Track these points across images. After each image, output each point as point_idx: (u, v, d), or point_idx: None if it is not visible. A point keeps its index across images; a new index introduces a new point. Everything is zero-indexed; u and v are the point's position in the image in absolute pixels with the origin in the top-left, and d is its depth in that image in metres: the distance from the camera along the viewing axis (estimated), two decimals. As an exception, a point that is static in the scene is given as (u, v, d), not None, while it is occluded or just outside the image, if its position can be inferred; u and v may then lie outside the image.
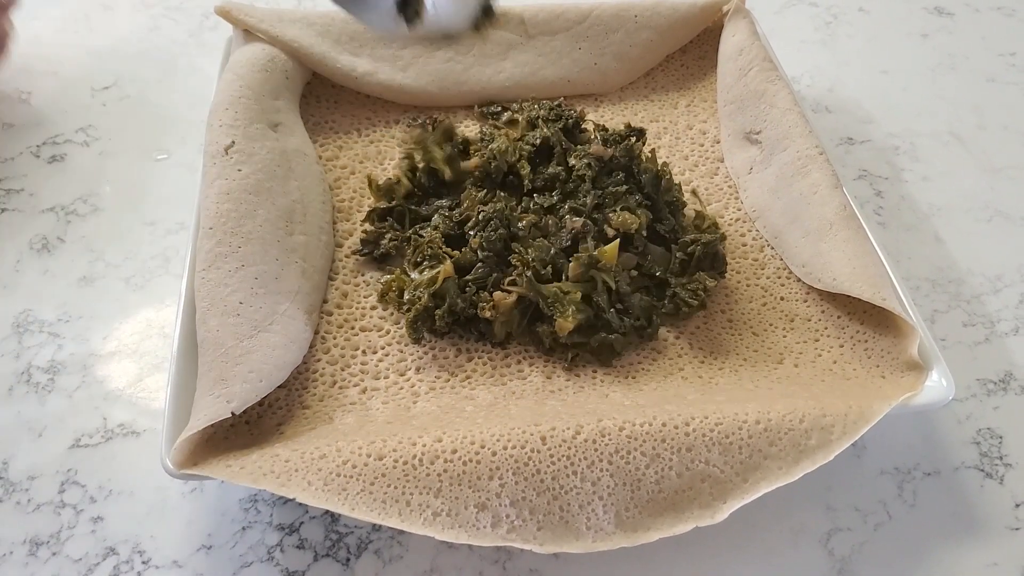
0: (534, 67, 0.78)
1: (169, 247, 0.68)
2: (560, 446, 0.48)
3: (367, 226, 0.66)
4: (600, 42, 0.78)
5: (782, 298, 0.63)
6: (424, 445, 0.48)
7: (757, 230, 0.67)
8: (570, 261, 0.58)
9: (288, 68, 0.72)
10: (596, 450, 0.48)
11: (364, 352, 0.58)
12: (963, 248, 0.71)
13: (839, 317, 0.60)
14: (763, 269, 0.65)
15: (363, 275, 0.63)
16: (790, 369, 0.58)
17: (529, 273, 0.58)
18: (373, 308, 0.61)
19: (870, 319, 0.58)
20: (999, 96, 0.87)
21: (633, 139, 0.66)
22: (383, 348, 0.59)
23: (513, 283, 0.58)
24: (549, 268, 0.59)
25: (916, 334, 0.54)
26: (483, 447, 0.48)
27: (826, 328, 0.60)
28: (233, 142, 0.63)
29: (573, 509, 0.47)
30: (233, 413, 0.49)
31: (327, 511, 0.53)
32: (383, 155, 0.72)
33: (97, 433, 0.57)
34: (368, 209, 0.66)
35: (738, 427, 0.50)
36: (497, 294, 0.57)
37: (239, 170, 0.61)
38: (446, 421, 0.52)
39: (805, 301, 0.62)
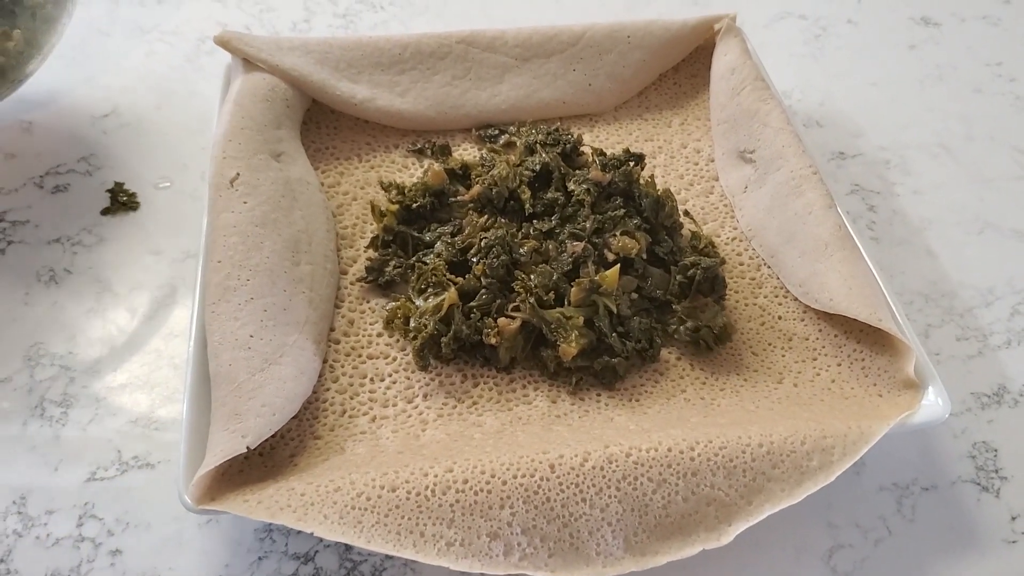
0: (529, 89, 0.79)
1: (176, 276, 0.69)
2: (568, 473, 0.50)
3: (371, 253, 0.67)
4: (594, 63, 0.80)
5: (780, 317, 0.64)
6: (436, 475, 0.49)
7: (753, 249, 0.69)
8: (572, 286, 0.60)
9: (288, 96, 0.73)
10: (604, 477, 0.50)
11: (372, 380, 0.59)
12: (955, 261, 0.72)
13: (836, 336, 0.61)
14: (760, 288, 0.66)
15: (368, 302, 0.64)
16: (789, 388, 0.59)
17: (532, 299, 0.59)
18: (379, 335, 0.62)
19: (867, 338, 0.60)
20: (986, 106, 0.89)
21: (632, 164, 0.67)
22: (390, 375, 0.60)
23: (516, 309, 0.59)
24: (551, 293, 0.60)
25: (912, 353, 0.56)
26: (493, 476, 0.49)
27: (824, 347, 0.61)
28: (238, 174, 0.64)
29: (583, 535, 0.49)
30: (248, 448, 0.50)
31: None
32: (384, 180, 0.73)
33: (112, 466, 0.58)
34: (371, 236, 0.68)
35: (741, 451, 0.51)
36: (501, 320, 0.59)
37: (245, 203, 0.62)
38: (455, 449, 0.53)
39: (802, 320, 0.63)
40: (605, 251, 0.62)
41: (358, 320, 0.63)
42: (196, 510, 0.48)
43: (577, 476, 0.50)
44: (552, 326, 0.59)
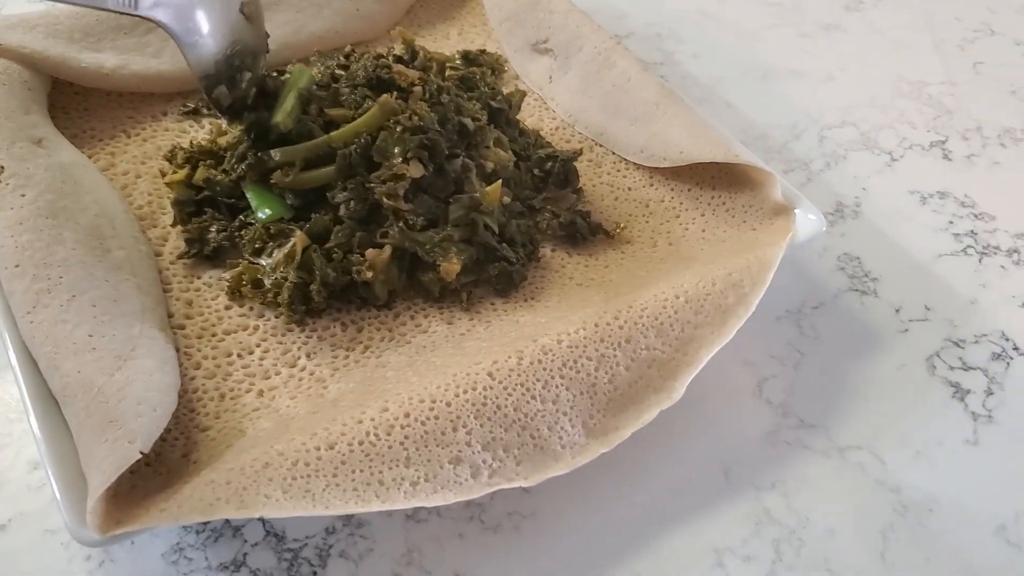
0: (296, 25, 0.72)
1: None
2: (509, 376, 0.46)
3: (180, 226, 0.58)
4: (357, -14, 0.74)
5: (629, 188, 0.63)
6: (372, 419, 0.43)
7: (580, 132, 0.67)
8: (451, 203, 0.55)
9: (27, 78, 0.61)
10: (545, 369, 0.46)
11: (239, 355, 0.52)
12: (753, 107, 0.75)
13: (690, 189, 0.61)
14: (600, 167, 0.65)
15: (200, 278, 0.56)
16: (665, 248, 0.59)
17: (400, 223, 0.53)
18: (228, 308, 0.54)
19: (720, 183, 0.60)
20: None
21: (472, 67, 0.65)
22: (259, 345, 0.52)
23: (385, 236, 0.54)
24: (420, 219, 0.54)
25: (775, 179, 0.57)
26: (435, 401, 0.44)
27: (682, 203, 0.61)
28: (2, 167, 0.53)
29: (544, 433, 0.45)
30: (142, 452, 0.41)
31: (269, 533, 0.47)
32: (163, 149, 0.64)
33: (-50, 542, 0.46)
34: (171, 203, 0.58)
35: (663, 307, 0.50)
36: (369, 252, 0.53)
37: (23, 195, 0.52)
38: (376, 392, 0.47)
39: (652, 185, 0.63)
40: (483, 162, 0.58)
41: (196, 299, 0.55)
42: (103, 540, 0.39)
43: (519, 376, 0.46)
44: (427, 247, 0.54)
